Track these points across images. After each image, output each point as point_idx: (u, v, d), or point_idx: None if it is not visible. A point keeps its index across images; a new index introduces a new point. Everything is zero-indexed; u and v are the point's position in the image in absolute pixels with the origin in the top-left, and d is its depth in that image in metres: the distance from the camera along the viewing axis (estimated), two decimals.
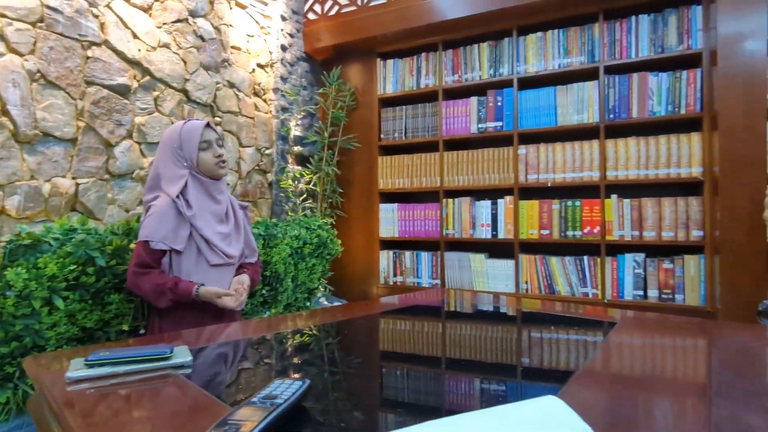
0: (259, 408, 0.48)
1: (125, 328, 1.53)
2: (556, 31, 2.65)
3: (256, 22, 2.93)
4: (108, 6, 2.06)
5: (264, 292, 2.17)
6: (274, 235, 2.20)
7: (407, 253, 3.07)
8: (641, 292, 2.42)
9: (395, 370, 0.76)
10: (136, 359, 0.71)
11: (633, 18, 2.46)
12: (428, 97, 3.05)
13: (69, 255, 1.35)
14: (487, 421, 0.43)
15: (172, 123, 2.36)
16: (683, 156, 2.35)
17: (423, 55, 3.05)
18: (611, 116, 2.50)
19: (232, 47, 2.75)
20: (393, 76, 3.15)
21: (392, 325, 1.09)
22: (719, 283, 2.13)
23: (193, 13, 2.49)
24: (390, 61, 3.16)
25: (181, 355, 0.74)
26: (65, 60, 1.90)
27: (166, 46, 2.35)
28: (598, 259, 2.51)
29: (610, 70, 2.52)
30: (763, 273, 2.03)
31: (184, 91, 2.45)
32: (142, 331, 1.57)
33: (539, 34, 2.69)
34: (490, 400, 0.61)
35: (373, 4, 3.03)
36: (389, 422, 0.53)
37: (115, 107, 2.11)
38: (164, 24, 2.34)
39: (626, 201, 2.46)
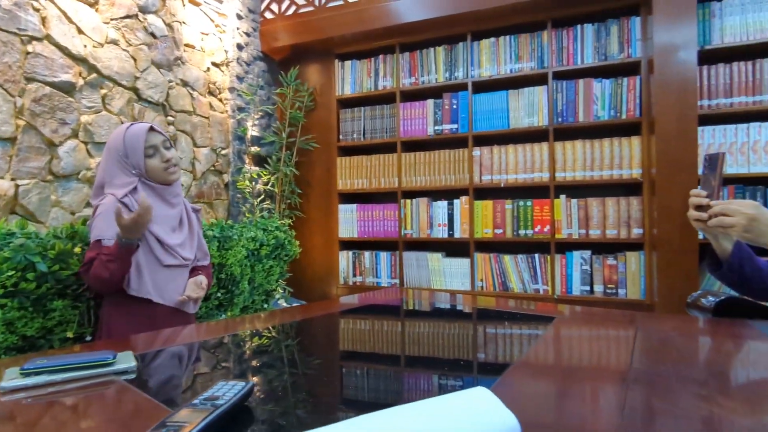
0: (199, 409, 0.49)
1: (70, 335, 1.47)
2: (507, 37, 2.74)
3: (211, 20, 2.88)
4: None
5: (219, 294, 2.14)
6: (230, 237, 2.17)
7: (366, 253, 3.09)
8: (588, 288, 2.55)
9: (351, 369, 0.78)
10: (75, 366, 0.70)
11: (578, 27, 2.59)
12: (386, 98, 3.09)
13: (6, 260, 1.29)
14: (417, 414, 0.45)
15: (122, 122, 2.29)
16: (625, 158, 2.49)
17: (381, 57, 3.08)
18: (559, 120, 2.62)
19: (186, 45, 2.69)
20: (351, 78, 3.17)
21: (351, 325, 1.11)
22: (656, 278, 2.28)
23: (144, 9, 2.42)
24: (348, 63, 3.17)
25: (125, 360, 0.73)
26: (2, 55, 1.81)
27: (115, 42, 2.27)
28: (548, 257, 2.62)
29: (558, 76, 2.64)
30: (695, 268, 2.18)
31: (135, 90, 2.37)
32: (88, 338, 1.52)
33: (492, 39, 2.77)
34: (429, 393, 0.64)
35: (330, 5, 3.03)
36: (334, 419, 0.55)
37: (59, 105, 2.02)
38: (112, 20, 2.26)
39: (573, 201, 2.58)
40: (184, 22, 2.67)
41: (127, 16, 2.34)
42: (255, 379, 0.71)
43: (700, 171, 2.19)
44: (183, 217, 1.54)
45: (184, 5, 2.68)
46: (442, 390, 0.65)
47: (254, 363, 0.80)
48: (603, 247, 2.60)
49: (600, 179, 2.53)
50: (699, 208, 1.11)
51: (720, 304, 1.38)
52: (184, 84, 2.67)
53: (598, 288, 2.53)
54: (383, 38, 3.00)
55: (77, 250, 1.46)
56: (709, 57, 2.31)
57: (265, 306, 2.57)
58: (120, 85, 2.30)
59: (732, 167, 2.26)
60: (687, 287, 2.15)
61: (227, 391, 0.54)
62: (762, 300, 1.27)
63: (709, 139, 2.29)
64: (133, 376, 0.71)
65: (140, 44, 2.40)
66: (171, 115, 2.58)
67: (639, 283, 2.45)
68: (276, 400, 0.62)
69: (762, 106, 2.23)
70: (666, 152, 2.24)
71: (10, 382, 0.65)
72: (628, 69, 2.54)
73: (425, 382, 0.69)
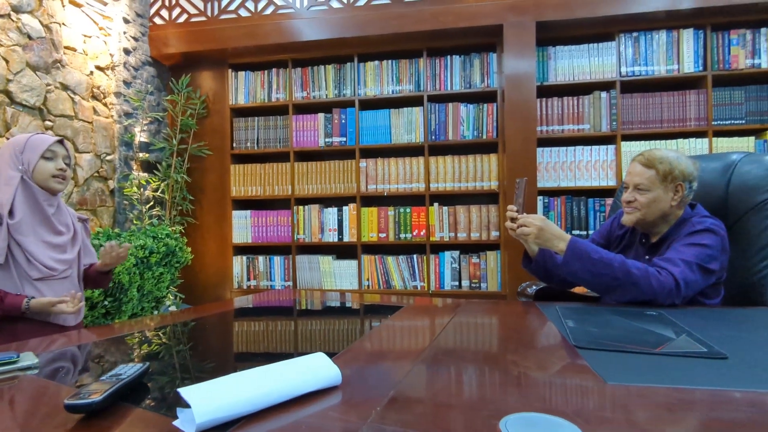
0: (105, 382, 0.66)
1: None
2: (390, 61, 3.07)
3: (95, 22, 2.80)
4: None
5: (106, 303, 2.15)
6: None
7: (261, 258, 3.22)
8: (457, 283, 2.96)
9: (242, 355, 0.97)
10: None
11: (449, 57, 2.99)
12: (279, 110, 3.25)
13: None
14: (276, 368, 0.68)
15: None
16: (485, 172, 2.94)
17: (274, 70, 3.23)
18: (433, 137, 3.00)
19: (66, 47, 2.60)
20: (245, 88, 3.27)
21: (245, 324, 1.29)
22: (508, 273, 2.74)
23: (17, 9, 2.32)
24: (242, 73, 3.27)
25: (28, 358, 0.85)
26: None
27: None
28: (424, 257, 2.99)
29: (432, 99, 3.03)
30: None
31: (7, 93, 2.27)
32: None
33: (376, 62, 3.08)
34: None
35: (223, 17, 3.11)
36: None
37: None
38: None
39: (445, 208, 2.98)
40: (63, 24, 2.59)
41: None
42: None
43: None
44: (68, 226, 1.57)
45: (63, 6, 2.59)
46: None
47: (150, 352, 0.96)
48: (468, 248, 3.04)
49: (466, 190, 2.95)
50: (512, 220, 1.47)
51: (539, 291, 1.79)
52: (65, 87, 2.59)
53: (465, 283, 2.96)
54: (276, 53, 3.16)
55: None
56: (546, 91, 2.84)
57: (155, 313, 2.59)
58: None
59: (563, 181, 2.81)
60: (529, 280, 2.63)
61: (128, 369, 0.71)
62: (562, 288, 1.70)
63: (547, 158, 2.81)
64: (36, 371, 0.83)
65: (13, 45, 2.30)
66: (49, 120, 2.49)
67: (497, 277, 2.92)
68: (168, 377, 0.80)
69: (584, 133, 2.80)
70: (513, 168, 2.71)
71: None
72: (488, 97, 3.00)
73: None
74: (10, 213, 1.40)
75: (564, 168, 2.80)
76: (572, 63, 2.81)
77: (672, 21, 2.72)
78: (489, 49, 2.97)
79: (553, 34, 2.82)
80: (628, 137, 2.76)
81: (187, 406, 0.57)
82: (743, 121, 2.66)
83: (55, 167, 1.48)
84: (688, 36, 2.71)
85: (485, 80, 2.96)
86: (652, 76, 2.74)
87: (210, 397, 0.58)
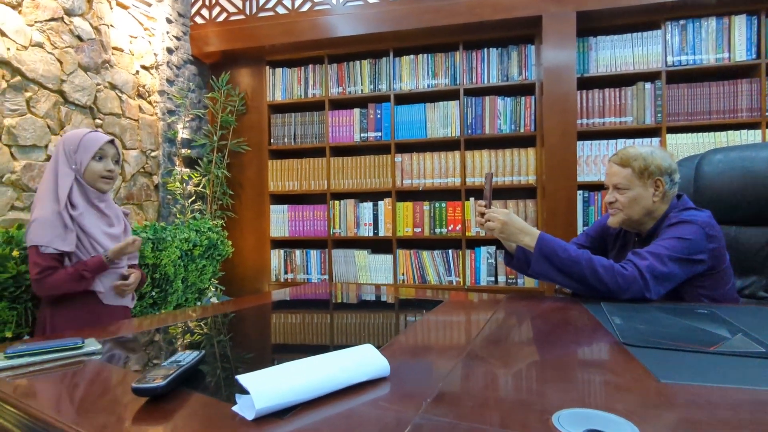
0: (168, 367, 0.69)
1: (8, 335, 1.55)
2: (425, 55, 3.05)
3: (140, 23, 2.91)
4: None
5: (153, 293, 2.24)
6: (164, 238, 2.28)
7: (297, 252, 3.28)
8: (493, 278, 2.93)
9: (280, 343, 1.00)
10: (51, 350, 0.86)
11: (485, 50, 2.95)
12: (315, 106, 3.29)
13: None
14: (330, 357, 0.70)
15: (48, 125, 2.31)
16: (522, 166, 2.89)
17: (310, 66, 3.27)
18: (469, 131, 2.97)
19: (114, 48, 2.72)
20: (282, 84, 3.33)
21: (283, 317, 1.32)
22: None
23: (70, 12, 2.43)
24: (279, 70, 3.33)
25: (92, 344, 0.90)
26: None
27: (40, 45, 2.28)
28: (460, 252, 2.97)
29: (469, 93, 2.99)
30: None
31: (61, 93, 2.39)
32: (26, 338, 1.60)
33: (412, 56, 3.07)
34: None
35: (261, 15, 3.17)
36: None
37: None
38: (36, 22, 2.27)
39: (481, 202, 2.94)
40: (111, 25, 2.70)
41: (53, 19, 2.35)
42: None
43: (585, 176, 2.62)
44: (119, 218, 1.66)
45: (111, 8, 2.71)
46: None
47: (202, 339, 1.00)
48: None
49: (503, 184, 2.91)
50: (481, 215, 1.42)
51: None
52: (113, 87, 2.70)
53: (501, 278, 2.92)
54: (312, 49, 3.20)
55: (15, 253, 1.54)
56: (586, 83, 2.76)
57: (198, 304, 2.69)
58: (46, 88, 2.31)
59: (605, 175, 2.72)
60: None
61: (186, 356, 0.75)
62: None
63: (587, 151, 2.74)
64: (100, 357, 0.88)
65: (66, 47, 2.42)
66: (99, 118, 2.61)
67: None
68: (221, 365, 0.83)
69: (626, 126, 2.71)
70: (552, 162, 2.65)
71: None
72: (526, 89, 2.94)
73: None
74: (73, 205, 1.49)
75: (605, 162, 2.72)
76: (614, 53, 2.71)
77: (723, 7, 2.59)
78: (527, 40, 2.91)
79: (594, 24, 2.74)
80: (674, 129, 2.65)
81: (246, 392, 0.59)
82: None
83: (104, 168, 1.56)
84: (740, 22, 2.57)
85: (523, 73, 2.90)
86: (700, 65, 2.62)
87: (268, 385, 0.60)
